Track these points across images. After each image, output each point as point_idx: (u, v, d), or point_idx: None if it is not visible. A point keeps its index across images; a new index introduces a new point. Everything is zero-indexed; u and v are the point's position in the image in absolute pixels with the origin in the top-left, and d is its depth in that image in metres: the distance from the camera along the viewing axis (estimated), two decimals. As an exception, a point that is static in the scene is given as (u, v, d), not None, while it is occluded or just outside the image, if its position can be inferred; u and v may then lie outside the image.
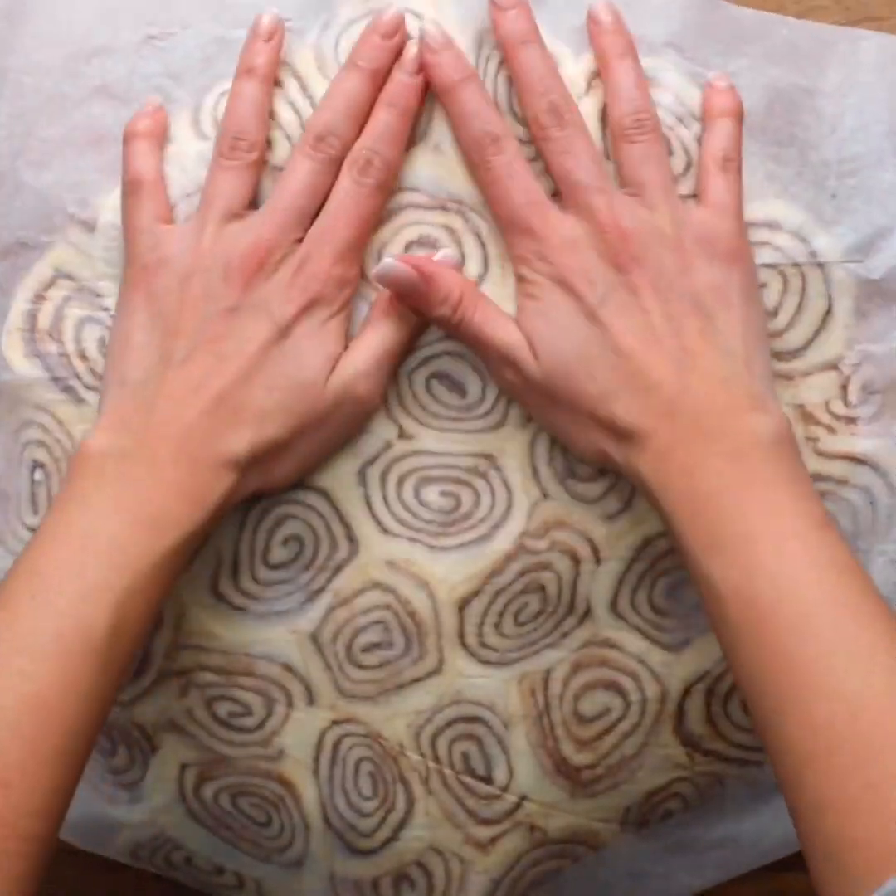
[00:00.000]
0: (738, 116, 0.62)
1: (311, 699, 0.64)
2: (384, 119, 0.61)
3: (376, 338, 0.61)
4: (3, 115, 0.64)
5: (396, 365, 0.62)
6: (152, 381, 0.59)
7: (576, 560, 0.63)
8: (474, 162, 0.62)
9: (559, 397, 0.60)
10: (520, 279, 0.61)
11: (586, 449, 0.61)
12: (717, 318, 0.59)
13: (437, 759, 0.65)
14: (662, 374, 0.58)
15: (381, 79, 0.62)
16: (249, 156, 0.61)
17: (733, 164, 0.62)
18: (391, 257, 0.60)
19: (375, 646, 0.63)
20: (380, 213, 0.62)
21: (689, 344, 0.58)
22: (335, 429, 0.61)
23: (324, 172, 0.61)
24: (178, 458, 0.58)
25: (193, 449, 0.58)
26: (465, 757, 0.65)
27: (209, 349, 0.59)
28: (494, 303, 0.61)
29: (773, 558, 0.54)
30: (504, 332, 0.60)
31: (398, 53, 0.62)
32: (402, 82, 0.62)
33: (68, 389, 0.63)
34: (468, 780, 0.65)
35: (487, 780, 0.65)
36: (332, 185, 0.61)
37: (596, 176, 0.60)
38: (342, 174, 0.61)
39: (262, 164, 0.62)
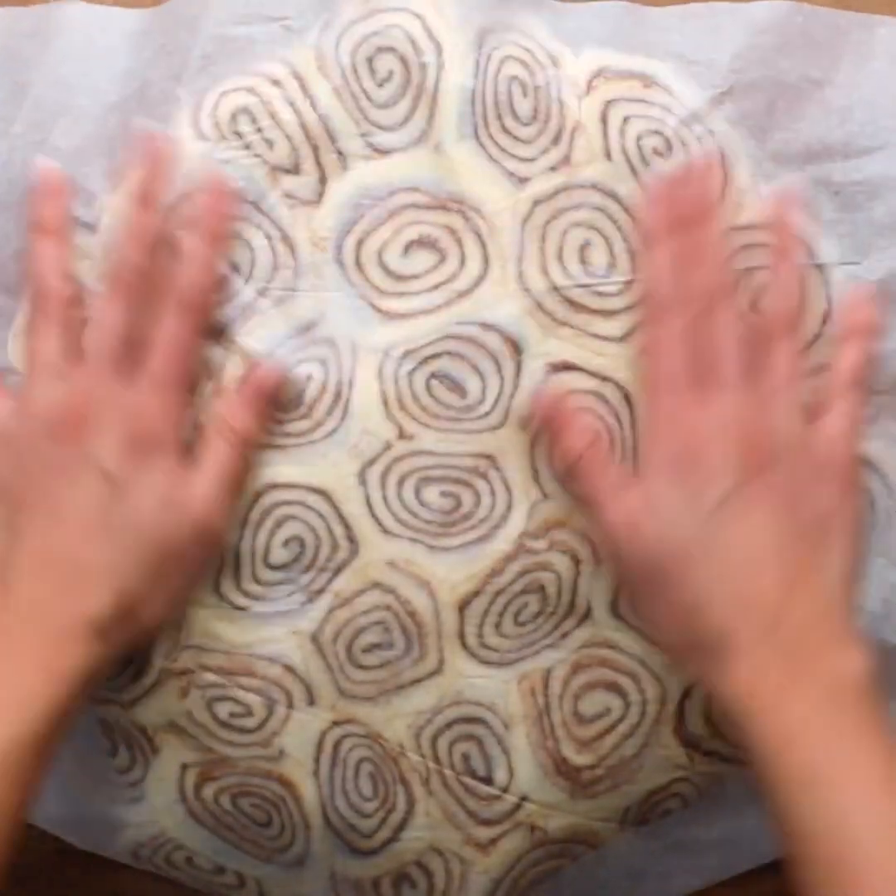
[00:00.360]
0: (875, 333, 0.62)
1: (311, 700, 0.64)
2: (193, 248, 0.61)
3: (216, 463, 0.60)
4: (23, 123, 0.64)
5: (240, 481, 0.62)
6: (5, 558, 0.58)
7: (576, 560, 0.63)
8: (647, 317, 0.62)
9: (651, 591, 0.59)
10: (647, 448, 0.61)
11: (668, 646, 0.61)
12: (828, 544, 0.58)
13: (437, 759, 0.65)
14: (767, 593, 0.56)
15: (159, 205, 0.61)
16: (66, 312, 0.61)
17: (862, 386, 0.61)
18: (542, 388, 0.62)
19: (376, 646, 0.63)
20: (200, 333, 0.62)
21: (797, 565, 0.57)
22: (196, 562, 0.61)
23: (130, 309, 0.60)
24: (36, 633, 0.57)
25: (51, 621, 0.57)
26: (466, 758, 0.65)
27: (52, 514, 0.58)
28: (618, 469, 0.61)
29: (867, 800, 0.53)
30: (612, 507, 0.59)
31: (162, 177, 0.62)
32: (204, 203, 0.62)
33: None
34: (468, 780, 0.65)
35: (488, 780, 0.65)
36: (143, 314, 0.60)
37: (747, 369, 0.59)
38: (167, 314, 0.60)
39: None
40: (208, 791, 0.65)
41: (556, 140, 0.63)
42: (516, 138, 0.63)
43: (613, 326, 0.63)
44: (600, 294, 0.63)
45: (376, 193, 0.63)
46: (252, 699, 0.64)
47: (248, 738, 0.64)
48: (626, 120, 0.63)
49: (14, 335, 0.64)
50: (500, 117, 0.63)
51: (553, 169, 0.63)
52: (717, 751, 0.66)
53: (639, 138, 0.63)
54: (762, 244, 0.64)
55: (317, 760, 0.64)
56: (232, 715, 0.64)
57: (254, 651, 0.64)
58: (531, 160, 0.63)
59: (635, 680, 0.64)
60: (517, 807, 0.65)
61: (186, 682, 0.64)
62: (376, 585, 0.63)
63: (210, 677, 0.64)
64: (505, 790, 0.65)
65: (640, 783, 0.65)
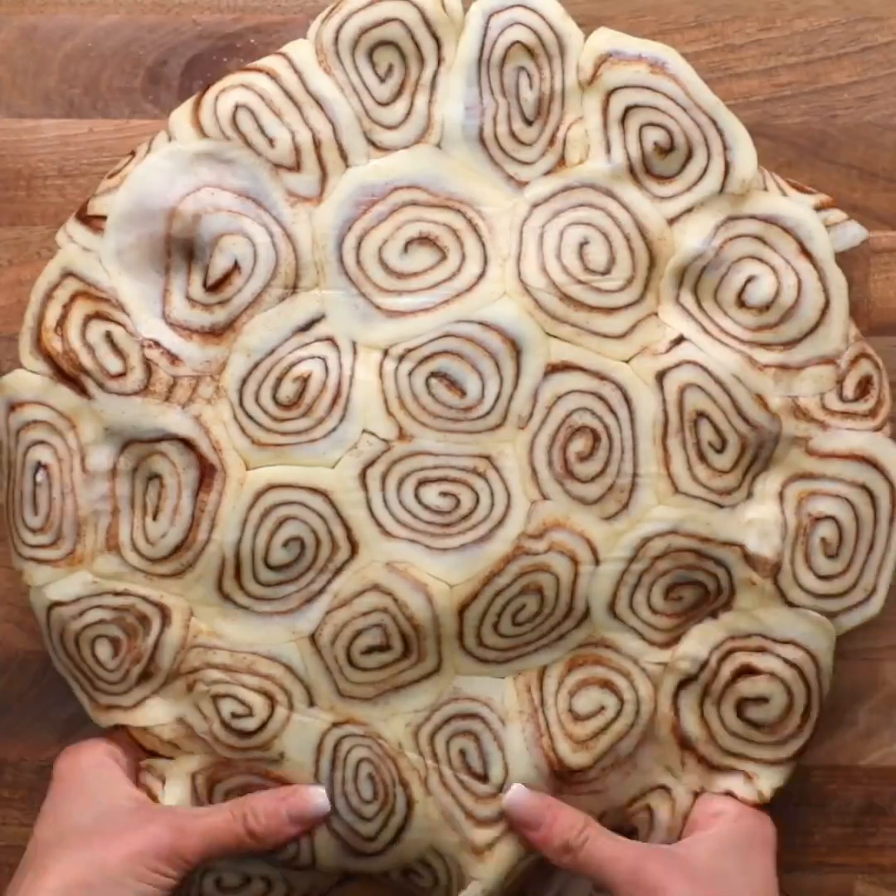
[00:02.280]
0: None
1: (311, 701, 0.64)
2: None
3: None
4: None
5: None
6: None
7: (575, 561, 0.63)
8: None
9: None
10: None
11: None
12: None
13: (435, 756, 0.64)
14: None
15: None
16: None
17: None
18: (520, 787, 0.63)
19: (374, 648, 0.63)
20: None
21: None
22: None
23: None
24: None
25: None
26: (463, 754, 0.65)
27: None
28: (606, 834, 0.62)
29: None
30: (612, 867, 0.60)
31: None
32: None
33: (74, 386, 0.63)
34: (465, 778, 0.64)
35: (484, 778, 0.65)
36: None
37: None
38: None
39: None
40: (218, 794, 0.65)
41: (552, 141, 0.63)
42: (520, 141, 0.63)
43: (614, 324, 0.63)
44: (600, 291, 0.63)
45: (377, 190, 0.63)
46: (254, 698, 0.64)
47: (249, 742, 0.64)
48: (627, 111, 0.63)
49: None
50: (509, 118, 0.63)
51: (551, 172, 0.63)
52: (707, 757, 0.65)
53: (640, 130, 0.63)
54: (757, 236, 0.64)
55: (317, 763, 0.64)
56: (234, 715, 0.64)
57: (256, 650, 0.63)
58: (530, 164, 0.63)
59: (628, 678, 0.64)
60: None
61: (192, 680, 0.64)
62: (375, 587, 0.63)
63: (215, 674, 0.64)
64: (501, 789, 0.65)
65: (627, 788, 0.65)
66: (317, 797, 0.63)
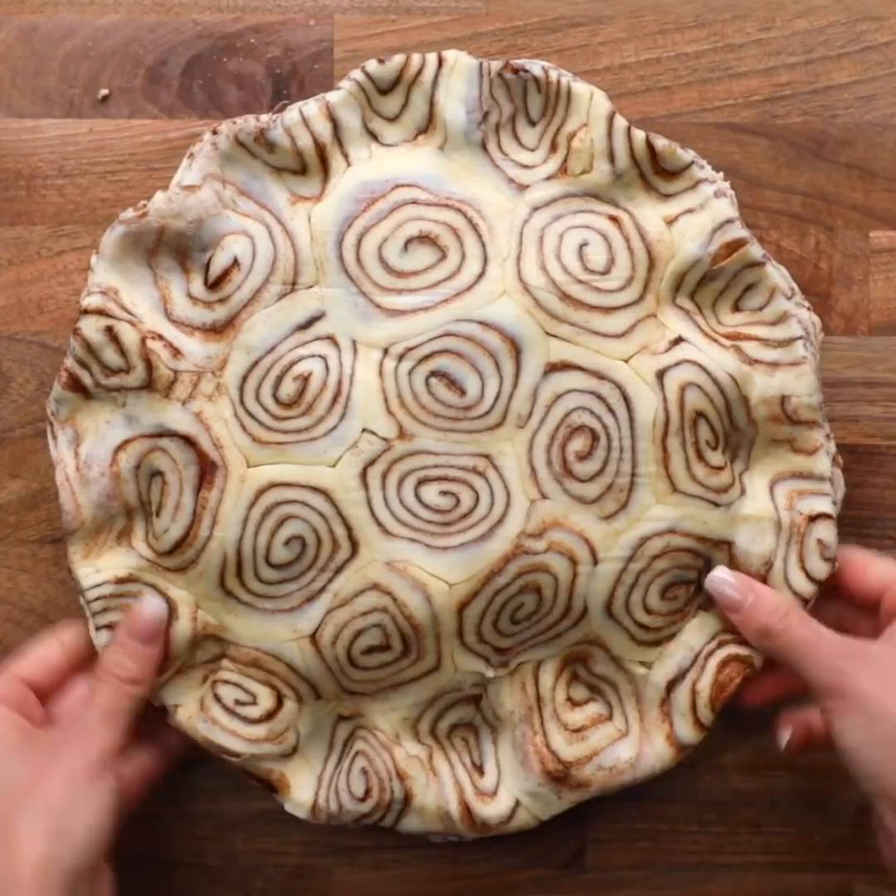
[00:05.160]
0: None
1: (318, 695, 0.65)
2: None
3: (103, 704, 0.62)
4: None
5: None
6: None
7: (573, 561, 0.63)
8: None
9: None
10: None
11: None
12: None
13: (432, 750, 0.65)
14: None
15: None
16: None
17: None
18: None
19: (374, 648, 0.63)
20: None
21: None
22: None
23: None
24: None
25: None
26: (465, 741, 0.65)
27: None
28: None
29: None
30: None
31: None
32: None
33: (71, 382, 0.64)
34: (461, 774, 0.65)
35: (480, 772, 0.65)
36: None
37: None
38: None
39: None
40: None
41: (554, 146, 0.63)
42: (521, 144, 0.63)
43: (613, 323, 0.63)
44: (599, 290, 0.63)
45: (377, 187, 0.63)
46: (258, 688, 0.64)
47: (252, 730, 0.65)
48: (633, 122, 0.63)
49: None
50: (512, 120, 0.63)
51: (552, 177, 0.63)
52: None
53: (647, 135, 0.63)
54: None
55: (325, 760, 0.65)
56: (238, 702, 0.64)
57: (259, 646, 0.64)
58: (532, 168, 0.63)
59: (618, 678, 0.65)
60: (514, 807, 0.65)
61: (207, 671, 0.65)
62: (374, 586, 0.63)
63: (226, 663, 0.64)
64: (495, 790, 0.65)
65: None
66: (145, 607, 0.63)
